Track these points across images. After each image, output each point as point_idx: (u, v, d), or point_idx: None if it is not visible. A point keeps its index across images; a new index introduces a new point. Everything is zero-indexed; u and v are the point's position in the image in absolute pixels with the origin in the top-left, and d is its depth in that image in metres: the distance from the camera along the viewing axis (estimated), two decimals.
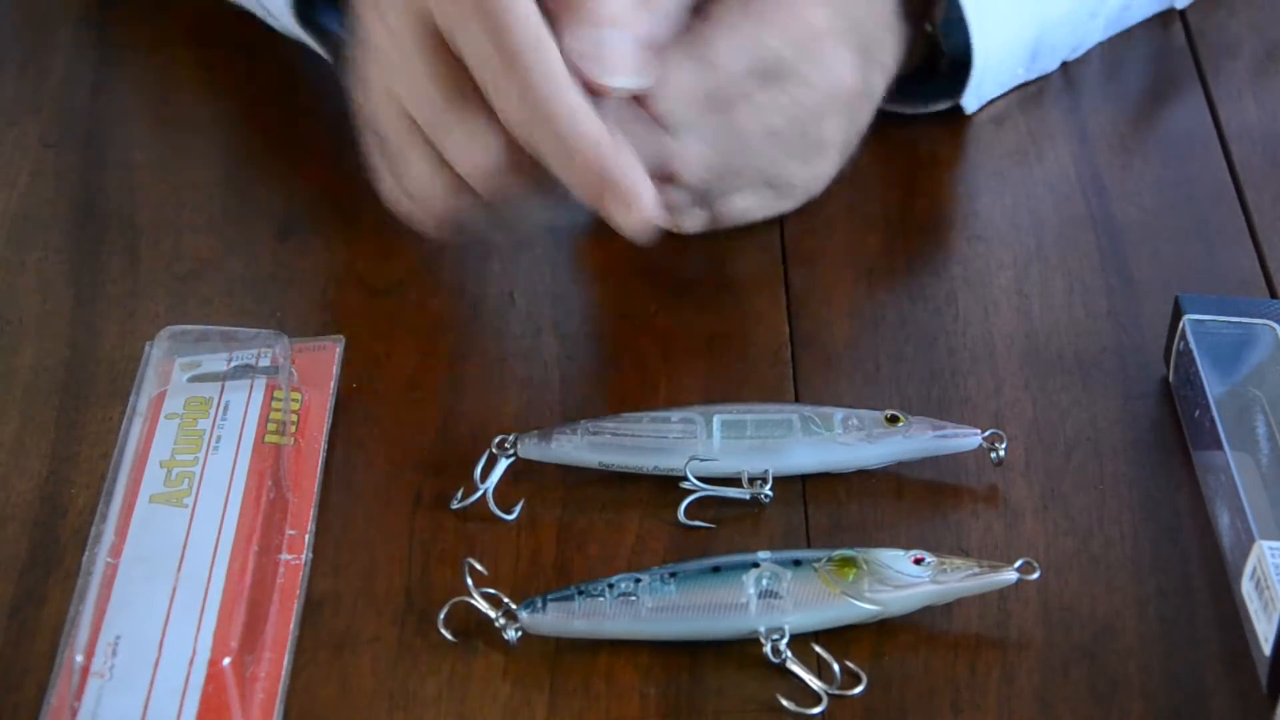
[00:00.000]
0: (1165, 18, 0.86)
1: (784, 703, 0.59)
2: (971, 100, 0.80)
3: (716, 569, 0.62)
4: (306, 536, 0.65)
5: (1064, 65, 0.84)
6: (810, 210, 0.77)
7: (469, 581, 0.61)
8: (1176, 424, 0.69)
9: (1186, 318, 0.69)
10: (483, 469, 0.66)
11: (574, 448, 0.66)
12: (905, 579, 0.61)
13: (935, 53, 0.79)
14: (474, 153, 0.66)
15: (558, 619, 0.61)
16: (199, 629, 0.60)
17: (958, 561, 0.62)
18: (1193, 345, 0.68)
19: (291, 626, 0.62)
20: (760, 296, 0.74)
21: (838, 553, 0.62)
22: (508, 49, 0.64)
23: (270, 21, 0.82)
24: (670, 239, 0.76)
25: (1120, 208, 0.78)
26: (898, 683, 0.60)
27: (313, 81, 0.83)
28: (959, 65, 0.78)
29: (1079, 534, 0.65)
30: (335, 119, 0.79)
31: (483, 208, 0.68)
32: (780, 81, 0.70)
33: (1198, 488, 0.66)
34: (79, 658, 0.59)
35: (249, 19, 0.84)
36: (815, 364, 0.71)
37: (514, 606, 0.61)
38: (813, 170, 0.74)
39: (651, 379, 0.71)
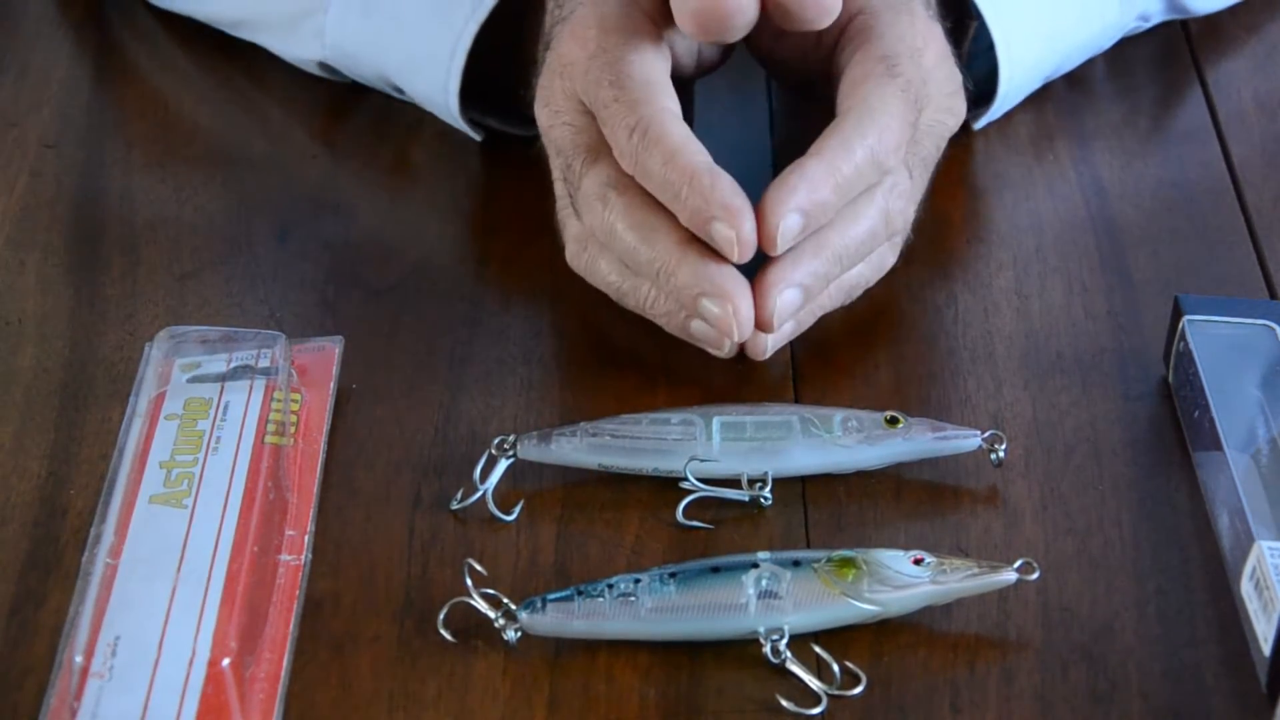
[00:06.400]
0: None
1: (783, 703, 0.59)
2: (982, 121, 0.80)
3: (716, 569, 0.62)
4: (306, 537, 0.65)
5: None
6: None
7: (468, 582, 0.61)
8: (1176, 424, 0.69)
9: (1186, 318, 0.69)
10: (482, 469, 0.66)
11: (573, 449, 0.66)
12: (905, 579, 0.61)
13: None
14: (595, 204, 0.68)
15: (557, 619, 0.61)
16: (198, 629, 0.59)
17: (957, 562, 0.62)
18: (1192, 346, 0.68)
19: (291, 627, 0.62)
20: None
21: (837, 553, 0.62)
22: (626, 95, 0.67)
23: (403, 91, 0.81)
24: None
25: (1120, 208, 0.78)
26: (897, 683, 0.60)
27: (313, 81, 0.83)
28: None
29: (1078, 534, 0.65)
30: (335, 118, 0.79)
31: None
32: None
33: (1197, 488, 0.66)
34: (78, 658, 0.59)
35: None
36: (815, 364, 0.71)
37: (513, 607, 0.61)
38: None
39: (651, 379, 0.71)
